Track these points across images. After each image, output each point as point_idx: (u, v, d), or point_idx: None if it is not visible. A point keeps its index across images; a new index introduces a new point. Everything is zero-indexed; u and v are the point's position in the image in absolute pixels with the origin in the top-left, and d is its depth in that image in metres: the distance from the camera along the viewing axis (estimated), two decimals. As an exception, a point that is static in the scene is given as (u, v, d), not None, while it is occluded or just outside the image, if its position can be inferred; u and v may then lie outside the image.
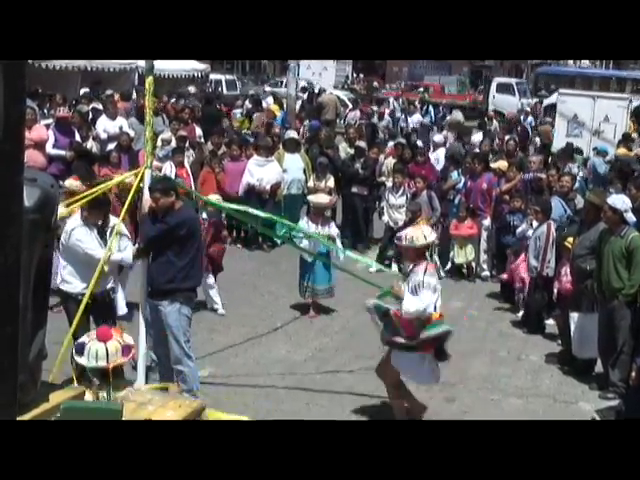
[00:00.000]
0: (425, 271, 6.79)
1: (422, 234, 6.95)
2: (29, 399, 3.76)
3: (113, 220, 7.47)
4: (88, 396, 4.65)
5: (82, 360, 4.82)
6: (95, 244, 7.19)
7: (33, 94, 15.99)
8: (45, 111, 16.88)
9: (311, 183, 13.57)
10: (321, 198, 10.89)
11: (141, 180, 7.04)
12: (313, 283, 10.22)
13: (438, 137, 17.10)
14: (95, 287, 7.15)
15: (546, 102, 33.38)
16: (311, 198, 11.13)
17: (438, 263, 7.98)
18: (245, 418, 5.35)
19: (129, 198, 7.13)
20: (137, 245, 7.39)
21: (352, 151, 14.57)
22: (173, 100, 20.34)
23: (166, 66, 21.24)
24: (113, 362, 4.75)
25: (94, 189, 7.30)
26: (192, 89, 22.70)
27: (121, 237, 7.40)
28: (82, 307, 6.75)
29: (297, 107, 22.08)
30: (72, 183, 9.02)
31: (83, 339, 4.96)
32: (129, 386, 4.98)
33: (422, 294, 6.73)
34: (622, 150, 16.35)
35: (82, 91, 19.61)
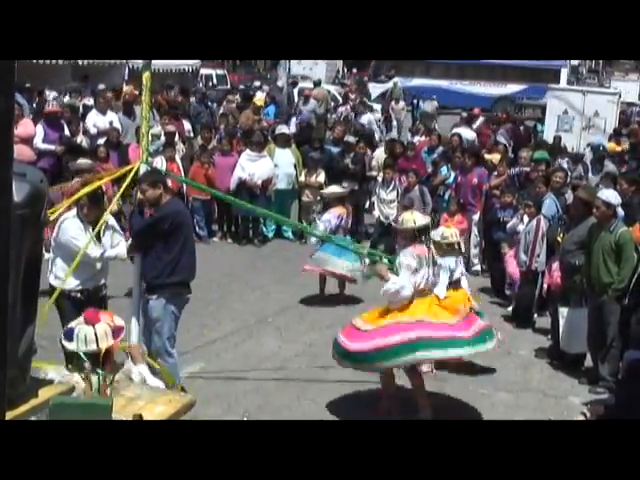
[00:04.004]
0: (408, 253, 6.95)
1: (412, 218, 7.15)
2: (18, 394, 3.75)
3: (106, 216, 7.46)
4: (79, 381, 4.55)
5: (72, 346, 4.68)
6: (90, 242, 7.16)
7: (22, 89, 15.91)
8: (34, 106, 16.80)
9: (302, 178, 13.61)
10: (335, 188, 11.04)
11: (136, 174, 7.05)
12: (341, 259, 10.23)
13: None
14: (87, 283, 7.16)
15: (384, 88, 33.85)
16: (325, 191, 11.27)
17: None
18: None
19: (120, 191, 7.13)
20: (130, 240, 7.39)
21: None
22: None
23: (156, 61, 21.13)
24: (104, 345, 4.62)
25: (93, 185, 7.27)
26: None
27: (114, 233, 7.39)
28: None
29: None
30: (85, 162, 9.26)
31: (72, 324, 4.82)
32: (120, 369, 4.90)
33: (400, 274, 6.90)
34: (611, 145, 16.52)
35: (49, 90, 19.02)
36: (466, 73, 34.90)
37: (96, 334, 4.64)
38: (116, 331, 4.77)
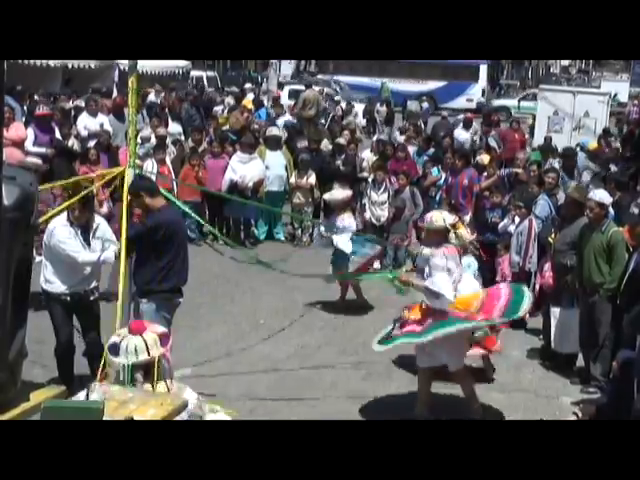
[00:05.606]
0: (442, 254, 6.85)
1: (442, 217, 7.05)
2: (9, 398, 3.73)
3: (97, 219, 7.43)
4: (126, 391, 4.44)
5: (121, 359, 4.57)
6: (79, 245, 7.12)
7: (13, 91, 15.85)
8: (25, 108, 16.74)
9: (293, 180, 13.60)
10: (337, 194, 10.96)
11: (123, 178, 7.02)
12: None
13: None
14: (77, 287, 7.13)
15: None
16: (327, 196, 11.22)
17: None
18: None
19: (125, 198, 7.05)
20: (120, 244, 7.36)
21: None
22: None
23: (147, 63, 21.11)
24: (155, 353, 4.58)
25: (84, 188, 7.22)
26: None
27: (104, 235, 7.36)
28: None
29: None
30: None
31: (114, 339, 4.70)
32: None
33: (434, 277, 6.79)
34: (593, 145, 16.55)
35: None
36: (388, 70, 35.30)
37: (146, 343, 4.59)
38: (164, 338, 4.73)
